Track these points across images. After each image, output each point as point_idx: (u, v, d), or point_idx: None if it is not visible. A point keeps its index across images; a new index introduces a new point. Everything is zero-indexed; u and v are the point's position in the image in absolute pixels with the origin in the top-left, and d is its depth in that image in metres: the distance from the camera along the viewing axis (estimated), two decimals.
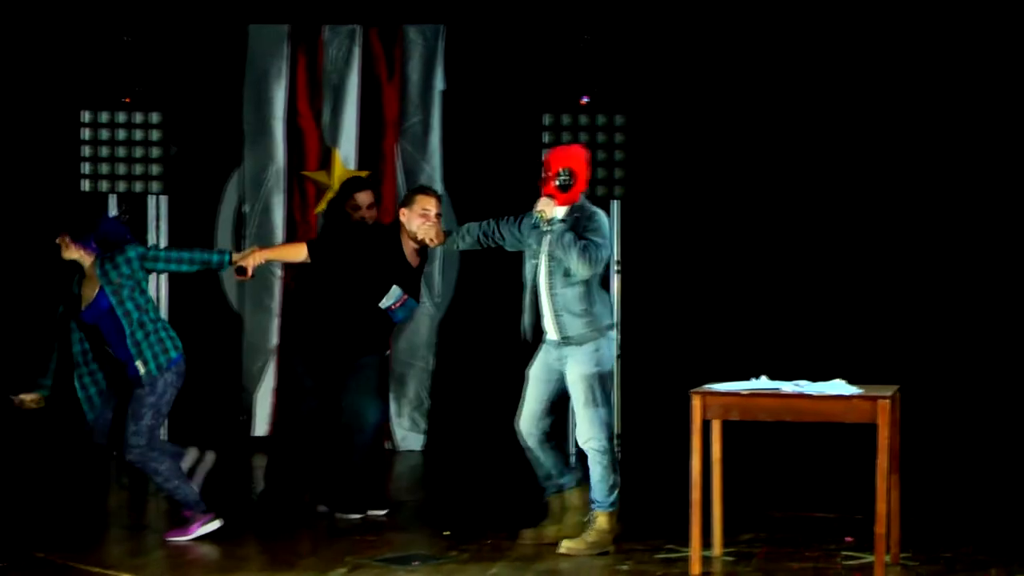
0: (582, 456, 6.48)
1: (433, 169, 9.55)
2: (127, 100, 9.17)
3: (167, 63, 9.33)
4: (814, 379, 6.02)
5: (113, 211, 9.13)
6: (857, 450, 6.61)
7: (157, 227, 9.27)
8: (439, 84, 9.53)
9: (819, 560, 6.21)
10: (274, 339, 9.42)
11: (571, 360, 6.38)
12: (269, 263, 8.44)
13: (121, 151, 9.15)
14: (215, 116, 9.60)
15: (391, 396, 9.58)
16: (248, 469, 8.75)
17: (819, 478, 8.30)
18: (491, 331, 9.07)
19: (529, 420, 6.51)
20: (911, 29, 9.10)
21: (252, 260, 6.67)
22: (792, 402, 5.88)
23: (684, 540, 6.06)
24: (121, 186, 9.17)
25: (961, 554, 6.32)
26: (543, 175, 6.42)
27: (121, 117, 9.14)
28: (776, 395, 5.90)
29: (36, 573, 6.02)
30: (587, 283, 6.36)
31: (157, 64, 9.26)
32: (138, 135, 9.14)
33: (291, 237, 9.36)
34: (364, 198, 7.37)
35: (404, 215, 6.88)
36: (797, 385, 5.94)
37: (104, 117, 9.14)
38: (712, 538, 6.24)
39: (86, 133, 9.14)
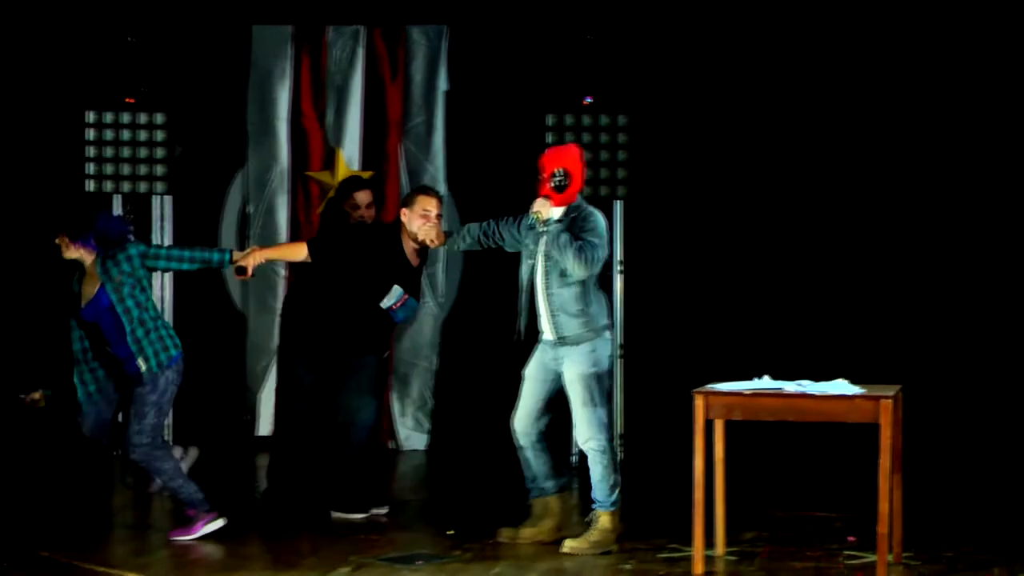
0: (584, 456, 6.50)
1: (436, 169, 9.57)
2: (131, 100, 9.20)
3: (171, 64, 9.35)
4: (816, 379, 6.04)
5: (118, 210, 9.15)
6: (859, 450, 6.62)
7: (161, 227, 9.29)
8: (442, 84, 9.55)
9: (821, 560, 6.22)
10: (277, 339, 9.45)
11: (567, 361, 6.39)
12: (272, 263, 8.48)
13: (125, 151, 9.17)
14: (219, 117, 9.62)
15: (394, 396, 9.61)
16: (252, 469, 8.77)
17: (821, 478, 8.31)
18: (494, 331, 9.07)
19: (525, 420, 6.52)
20: (911, 30, 9.11)
21: (252, 260, 6.68)
22: (795, 402, 5.89)
23: (687, 539, 6.07)
24: (125, 186, 9.19)
25: (963, 553, 6.33)
26: (539, 176, 6.43)
27: (125, 117, 9.17)
28: (779, 395, 5.91)
29: (41, 572, 6.04)
30: (583, 283, 6.37)
31: (161, 65, 9.28)
32: (142, 135, 9.16)
33: (295, 237, 9.38)
34: (363, 197, 7.37)
35: (405, 215, 6.88)
36: (800, 385, 5.95)
37: (109, 117, 9.16)
38: (715, 537, 6.25)
39: (91, 133, 9.16)
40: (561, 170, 6.40)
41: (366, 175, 9.35)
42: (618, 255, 9.06)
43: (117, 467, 8.47)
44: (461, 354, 9.52)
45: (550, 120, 8.98)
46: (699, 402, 5.93)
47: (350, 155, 9.55)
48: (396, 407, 9.60)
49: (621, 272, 9.08)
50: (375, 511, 7.20)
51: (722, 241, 9.33)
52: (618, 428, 9.08)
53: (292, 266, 8.87)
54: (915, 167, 9.20)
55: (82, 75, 9.38)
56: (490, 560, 6.24)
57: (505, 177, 8.96)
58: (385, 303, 6.94)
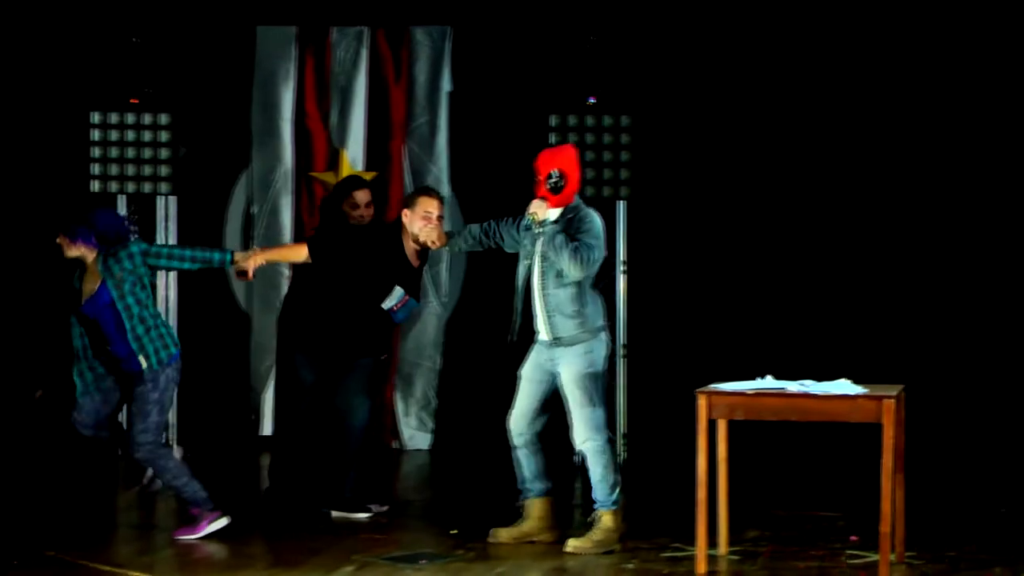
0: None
1: (440, 170, 9.58)
2: (136, 101, 9.22)
3: (176, 65, 9.36)
4: (819, 379, 6.05)
5: (122, 211, 9.17)
6: (862, 449, 6.63)
7: (166, 228, 9.32)
8: (446, 85, 9.57)
9: (824, 559, 6.23)
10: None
11: (563, 362, 6.40)
12: (275, 263, 8.48)
13: (130, 152, 9.19)
14: (223, 117, 9.63)
15: (398, 395, 9.63)
16: (256, 468, 8.79)
17: (824, 477, 8.32)
18: (498, 331, 9.04)
19: (520, 420, 6.53)
20: (913, 31, 9.12)
21: (253, 262, 6.69)
22: (797, 402, 5.90)
23: (690, 539, 6.08)
24: (130, 187, 9.21)
25: (965, 553, 6.34)
26: (536, 178, 6.43)
27: (130, 118, 9.19)
28: (781, 395, 5.93)
29: (47, 571, 6.05)
30: (579, 284, 6.38)
31: (166, 66, 9.30)
32: (147, 136, 9.18)
33: (299, 238, 9.39)
34: (362, 196, 7.36)
35: (406, 216, 6.88)
36: (802, 385, 5.97)
37: (113, 118, 9.19)
38: (718, 537, 6.26)
39: (95, 134, 9.19)
40: (557, 171, 6.41)
41: (369, 175, 9.38)
42: (621, 255, 9.08)
43: (121, 467, 8.49)
44: (464, 354, 9.53)
45: (553, 121, 9.00)
46: (702, 402, 5.95)
47: (354, 156, 9.57)
48: (400, 407, 9.62)
49: (624, 272, 9.10)
50: (375, 509, 7.21)
51: (725, 241, 9.35)
52: (621, 428, 9.10)
53: (293, 265, 8.89)
54: (917, 168, 9.21)
55: (87, 76, 9.40)
56: (493, 559, 6.25)
57: (508, 178, 8.96)
58: (386, 304, 6.95)
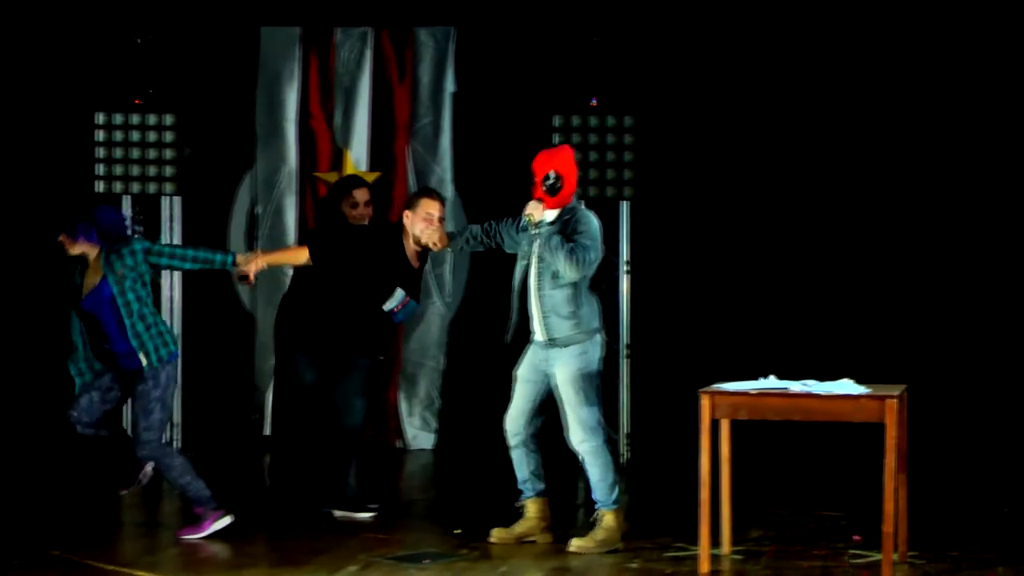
0: None
1: (444, 171, 9.60)
2: (140, 102, 9.24)
3: (180, 65, 9.38)
4: (822, 379, 6.06)
5: (127, 211, 9.19)
6: (865, 449, 6.65)
7: (171, 228, 9.34)
8: (450, 86, 9.58)
9: (827, 558, 6.24)
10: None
11: (557, 363, 6.41)
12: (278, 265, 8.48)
13: (135, 152, 9.21)
14: (228, 118, 9.65)
15: (402, 395, 9.64)
16: (260, 468, 8.81)
17: (827, 477, 8.33)
18: (501, 331, 9.07)
19: (516, 420, 6.55)
20: (914, 31, 9.13)
21: (254, 266, 6.70)
22: (800, 401, 5.91)
23: (693, 538, 6.10)
24: (135, 187, 9.23)
25: (968, 552, 6.35)
26: (533, 179, 6.44)
27: (135, 119, 9.21)
28: (784, 394, 5.94)
29: (52, 570, 6.06)
30: (575, 286, 6.38)
31: (170, 66, 9.32)
32: (152, 137, 9.20)
33: (303, 239, 9.40)
34: (361, 195, 7.36)
35: (407, 218, 6.88)
36: (805, 385, 5.98)
37: (118, 119, 9.21)
38: (721, 536, 6.28)
39: (100, 135, 9.20)
40: (554, 173, 6.41)
41: (372, 176, 9.40)
42: (625, 256, 9.10)
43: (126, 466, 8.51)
44: (468, 354, 9.55)
45: (557, 121, 9.02)
46: (705, 402, 5.96)
47: (358, 156, 9.58)
48: (403, 407, 9.63)
49: (627, 272, 9.11)
50: (368, 506, 7.21)
51: (728, 242, 9.36)
52: (624, 428, 9.11)
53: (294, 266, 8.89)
54: (920, 169, 9.22)
55: (92, 77, 9.42)
56: (496, 559, 6.26)
57: (512, 178, 8.98)
58: (387, 306, 6.96)
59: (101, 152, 9.20)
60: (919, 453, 6.86)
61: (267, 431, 9.58)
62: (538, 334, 6.46)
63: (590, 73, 9.09)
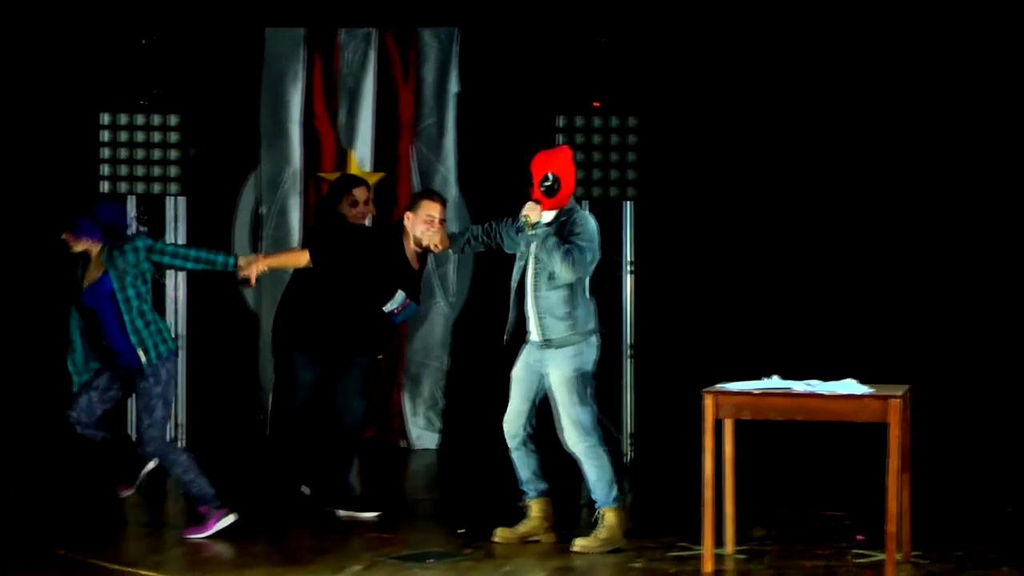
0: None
1: (448, 171, 9.61)
2: (145, 102, 9.26)
3: (185, 66, 9.40)
4: (825, 378, 6.06)
5: (132, 211, 9.21)
6: (868, 449, 6.65)
7: (175, 228, 9.35)
8: (453, 86, 9.59)
9: (831, 558, 6.24)
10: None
11: (551, 364, 6.42)
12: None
13: (140, 153, 9.23)
14: (232, 118, 9.66)
15: (406, 395, 9.65)
16: (265, 467, 8.81)
17: (830, 477, 8.34)
18: (504, 331, 9.11)
19: (514, 421, 6.55)
20: (916, 32, 9.13)
21: (254, 269, 6.70)
22: (803, 401, 5.92)
23: (696, 538, 6.11)
24: (139, 187, 9.25)
25: (972, 552, 6.35)
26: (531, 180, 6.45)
27: (140, 119, 9.23)
28: (788, 394, 5.94)
29: (57, 570, 6.08)
30: (571, 287, 6.39)
31: (175, 67, 9.33)
32: (156, 137, 9.22)
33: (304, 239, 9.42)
34: (361, 193, 7.36)
35: (408, 219, 6.88)
36: (808, 384, 5.98)
37: (123, 119, 9.23)
38: (724, 536, 6.29)
39: (105, 135, 9.22)
40: (551, 175, 6.41)
41: (376, 176, 9.42)
42: (628, 256, 9.11)
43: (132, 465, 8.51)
44: (472, 354, 9.55)
45: (560, 122, 9.03)
46: (709, 402, 5.97)
47: (362, 157, 9.60)
48: (407, 406, 9.64)
49: (631, 272, 9.12)
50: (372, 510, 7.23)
51: (731, 242, 9.36)
52: (628, 427, 9.12)
53: None
54: (923, 168, 9.23)
55: (97, 77, 9.43)
56: (500, 558, 6.27)
57: (515, 179, 8.98)
58: (388, 307, 6.96)
59: (106, 152, 9.22)
60: (922, 453, 6.87)
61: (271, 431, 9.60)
62: (534, 334, 6.47)
63: (594, 73, 9.10)
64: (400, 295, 6.95)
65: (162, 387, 6.59)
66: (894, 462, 5.78)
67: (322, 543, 6.59)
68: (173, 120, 9.22)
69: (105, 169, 9.21)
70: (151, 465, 6.72)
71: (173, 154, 9.23)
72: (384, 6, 9.61)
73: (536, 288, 6.41)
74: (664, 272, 9.31)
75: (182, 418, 9.40)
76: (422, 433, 9.62)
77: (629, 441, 9.12)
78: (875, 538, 6.33)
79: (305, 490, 7.26)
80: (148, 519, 7.38)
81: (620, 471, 8.26)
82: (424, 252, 6.96)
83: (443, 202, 6.93)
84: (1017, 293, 9.13)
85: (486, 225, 6.75)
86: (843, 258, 9.27)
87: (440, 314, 9.63)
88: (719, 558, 6.13)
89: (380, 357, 7.28)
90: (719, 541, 6.18)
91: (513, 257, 6.70)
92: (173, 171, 9.24)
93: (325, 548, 6.47)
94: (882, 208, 9.26)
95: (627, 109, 9.02)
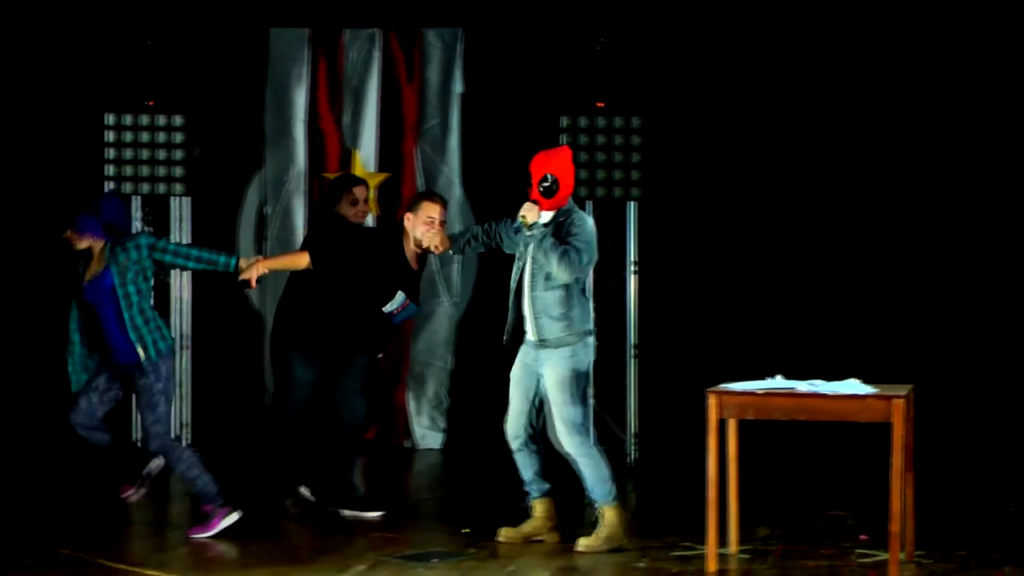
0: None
1: (451, 171, 9.62)
2: (150, 103, 9.28)
3: (190, 66, 9.41)
4: (829, 378, 6.07)
5: (137, 211, 9.22)
6: (871, 449, 6.65)
7: (180, 228, 9.37)
8: (457, 87, 9.60)
9: (834, 558, 6.25)
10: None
11: (547, 364, 6.42)
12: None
13: (144, 153, 9.25)
14: (237, 119, 9.68)
15: (410, 395, 9.66)
16: (262, 466, 8.81)
17: (834, 476, 8.34)
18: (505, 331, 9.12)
19: (515, 422, 6.56)
20: (917, 32, 9.13)
21: (255, 271, 6.71)
22: (807, 401, 5.93)
23: (700, 538, 6.12)
24: (144, 188, 9.27)
25: (975, 552, 6.36)
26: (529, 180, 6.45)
27: (144, 120, 9.25)
28: (791, 394, 5.95)
29: (62, 569, 6.09)
30: (567, 287, 6.39)
31: (180, 67, 9.35)
32: (161, 137, 9.24)
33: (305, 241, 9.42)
34: (362, 192, 7.36)
35: (409, 220, 6.87)
36: (812, 384, 5.99)
37: (128, 120, 9.25)
38: (728, 536, 6.29)
39: (110, 135, 9.24)
40: (550, 175, 6.41)
41: (380, 177, 9.43)
42: (632, 256, 9.12)
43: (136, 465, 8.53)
44: (476, 353, 9.56)
45: (564, 122, 9.04)
46: (712, 401, 5.98)
47: (366, 157, 9.61)
48: (412, 406, 9.66)
49: (635, 272, 9.13)
50: (305, 493, 7.23)
51: (735, 242, 9.37)
52: (632, 427, 9.13)
53: None
54: (926, 168, 9.23)
55: (102, 78, 9.46)
56: (504, 558, 6.28)
57: (519, 179, 8.99)
58: (388, 308, 6.97)
59: (111, 153, 9.24)
60: (926, 452, 6.87)
61: None
62: (530, 334, 6.48)
63: (597, 74, 9.11)
64: (400, 296, 6.95)
65: (163, 383, 6.60)
66: (897, 462, 5.78)
67: (326, 542, 6.60)
68: (178, 120, 9.24)
69: (110, 169, 9.23)
70: (154, 464, 6.73)
71: (178, 154, 9.25)
72: (388, 7, 9.62)
73: (533, 288, 6.42)
74: (668, 272, 9.32)
75: (187, 417, 9.42)
76: (426, 433, 9.64)
77: (633, 441, 9.13)
78: (878, 538, 6.33)
79: (304, 491, 7.26)
80: (152, 519, 7.38)
81: (624, 471, 8.31)
82: (424, 253, 6.96)
83: (443, 203, 6.93)
84: (1021, 293, 9.13)
85: (486, 225, 6.77)
86: (846, 258, 9.28)
87: (444, 314, 9.64)
88: (723, 558, 6.14)
89: (380, 356, 7.29)
90: (723, 541, 6.19)
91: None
92: (178, 171, 9.26)
93: (329, 547, 6.48)
94: (886, 208, 9.26)
95: (631, 109, 9.03)
